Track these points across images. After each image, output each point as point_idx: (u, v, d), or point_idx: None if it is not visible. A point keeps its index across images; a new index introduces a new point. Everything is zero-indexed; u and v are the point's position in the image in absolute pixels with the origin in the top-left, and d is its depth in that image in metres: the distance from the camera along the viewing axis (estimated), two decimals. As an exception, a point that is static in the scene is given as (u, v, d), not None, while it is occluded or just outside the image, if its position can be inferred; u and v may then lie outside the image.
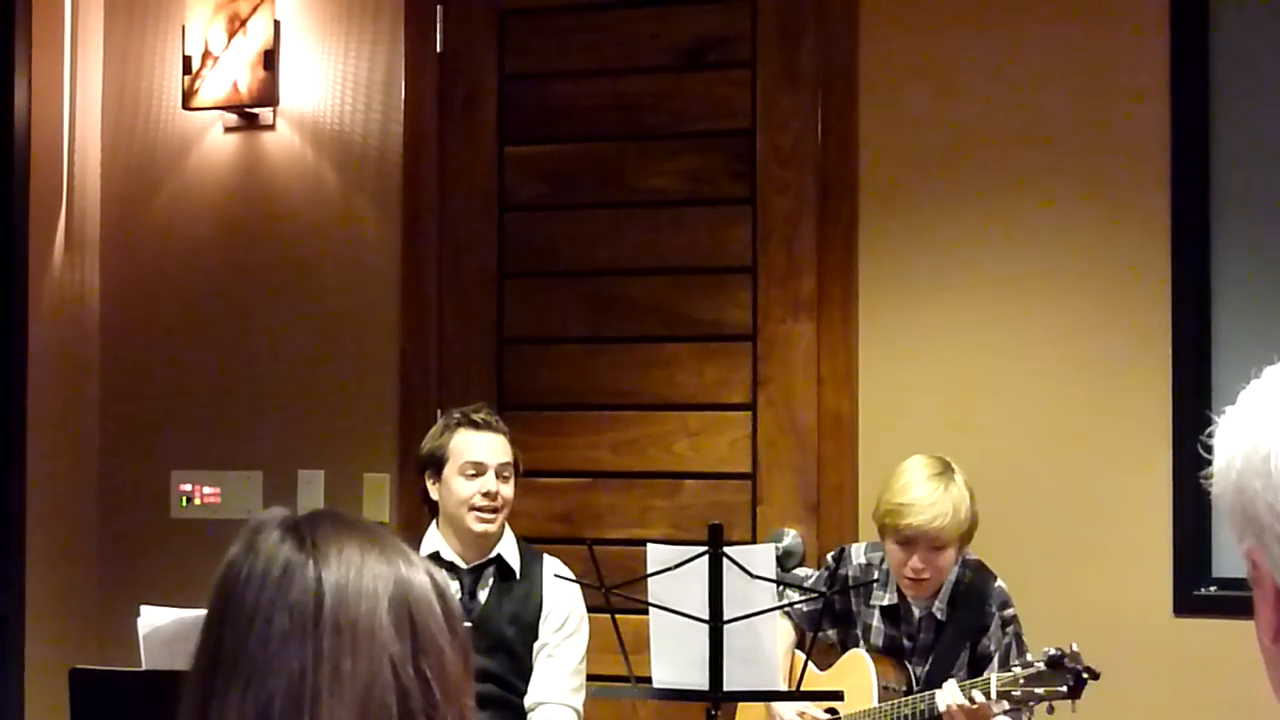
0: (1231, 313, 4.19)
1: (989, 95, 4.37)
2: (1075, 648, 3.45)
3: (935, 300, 4.41)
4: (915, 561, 3.72)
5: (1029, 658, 3.52)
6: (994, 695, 3.47)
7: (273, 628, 1.35)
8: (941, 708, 3.53)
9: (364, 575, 1.37)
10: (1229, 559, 4.13)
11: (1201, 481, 1.27)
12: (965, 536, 3.76)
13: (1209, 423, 1.27)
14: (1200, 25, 4.21)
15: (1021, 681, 3.46)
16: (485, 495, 3.94)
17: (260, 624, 1.35)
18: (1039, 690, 3.44)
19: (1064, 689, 3.42)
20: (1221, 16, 4.22)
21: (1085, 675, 3.42)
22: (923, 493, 3.71)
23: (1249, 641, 1.26)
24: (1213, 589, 4.16)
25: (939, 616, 3.81)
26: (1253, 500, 1.22)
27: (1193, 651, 4.15)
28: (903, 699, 3.70)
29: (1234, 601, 3.91)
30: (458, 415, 4.02)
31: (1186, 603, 4.17)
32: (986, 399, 4.35)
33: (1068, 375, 4.31)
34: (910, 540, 3.72)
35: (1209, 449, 1.26)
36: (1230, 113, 4.21)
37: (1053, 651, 3.43)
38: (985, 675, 3.54)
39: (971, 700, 3.50)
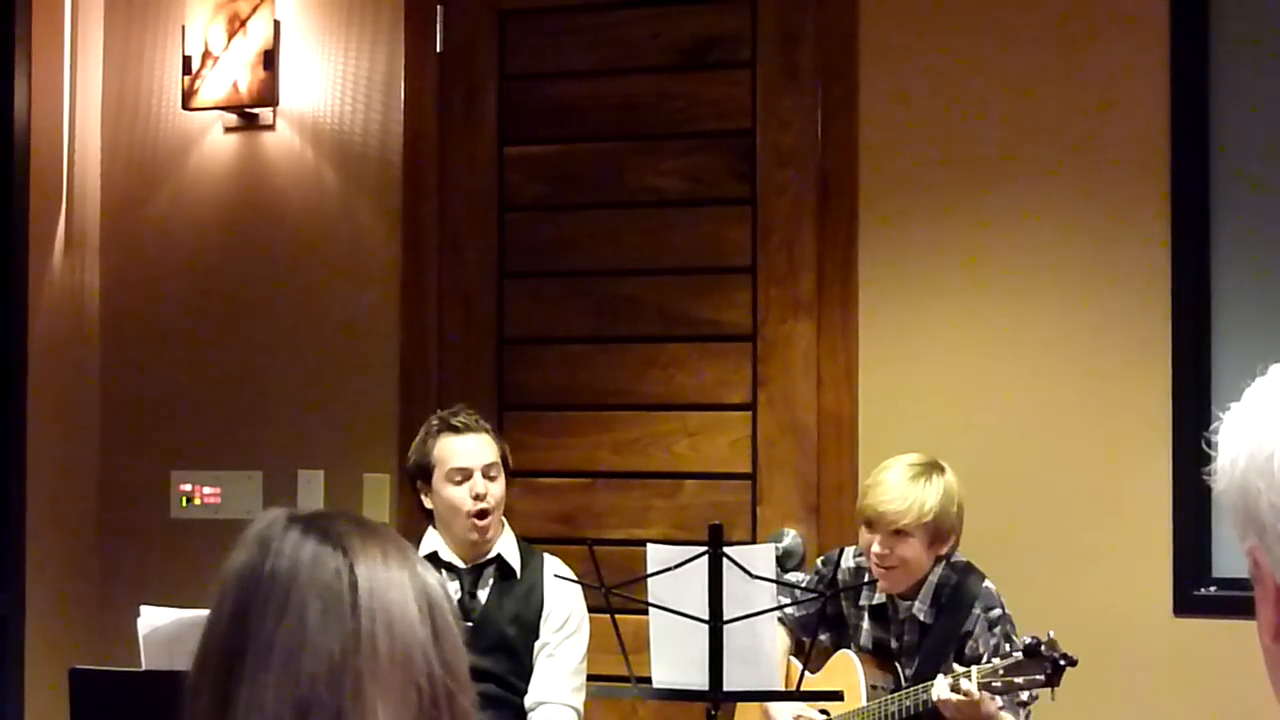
0: (1231, 313, 4.19)
1: (989, 95, 4.38)
2: (1052, 635, 3.45)
3: (935, 300, 4.41)
4: (876, 545, 3.74)
5: (1007, 648, 3.53)
6: (975, 686, 3.48)
7: (308, 613, 1.38)
8: (935, 697, 3.53)
9: (390, 565, 1.42)
10: (1229, 559, 4.13)
11: (1204, 478, 1.27)
12: (932, 533, 3.74)
13: (1209, 423, 1.28)
14: (1200, 25, 4.21)
15: (1001, 672, 3.47)
16: (476, 498, 3.94)
17: (294, 611, 1.38)
18: (1018, 680, 3.45)
19: (1041, 677, 3.43)
20: (1221, 16, 4.22)
21: (1063, 662, 3.43)
22: (892, 478, 3.75)
23: (1249, 642, 1.26)
24: (1213, 589, 4.15)
25: (922, 618, 3.80)
26: (1255, 499, 1.22)
27: (1193, 652, 4.15)
28: (891, 695, 3.70)
29: (1234, 602, 3.91)
30: (436, 422, 4.02)
31: (1186, 603, 4.17)
32: (986, 399, 4.35)
33: (1068, 375, 4.31)
34: (871, 522, 3.75)
35: (1212, 445, 1.26)
36: (1230, 112, 4.21)
37: (1029, 640, 3.45)
38: (965, 670, 3.55)
39: (963, 693, 3.50)
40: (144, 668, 2.97)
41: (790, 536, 4.42)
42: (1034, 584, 4.10)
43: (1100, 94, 4.30)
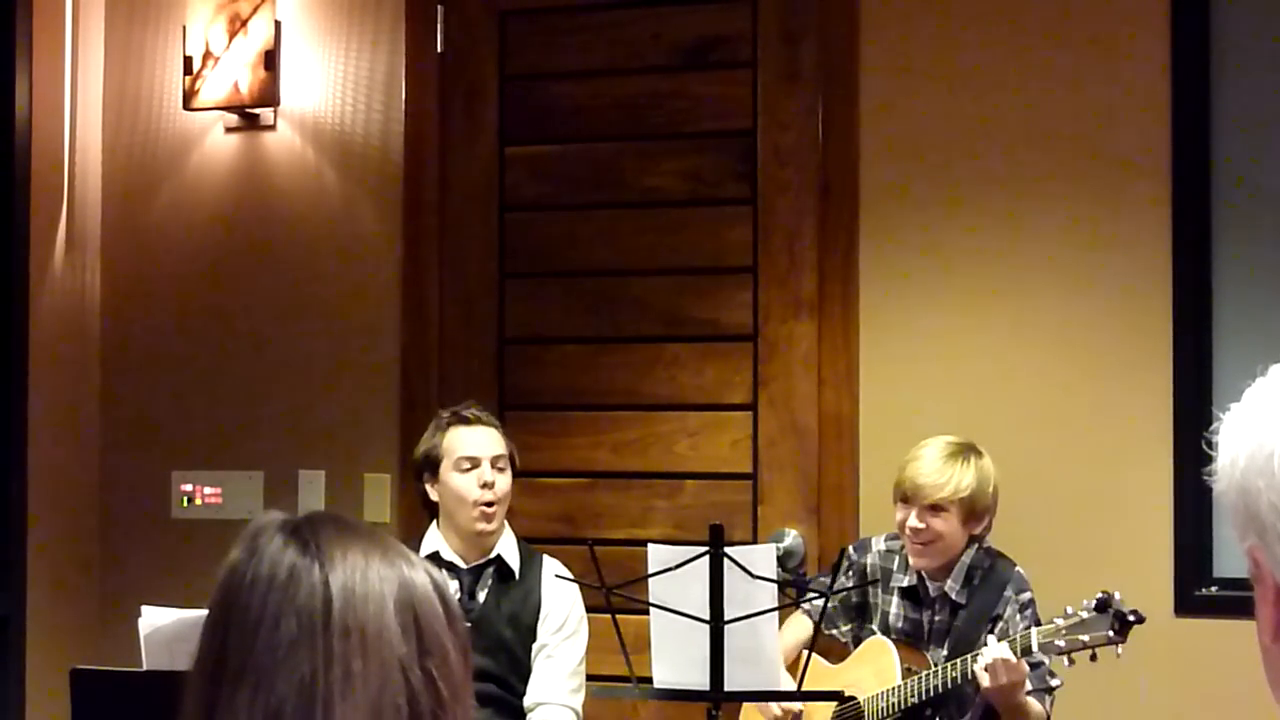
0: (1232, 312, 4.19)
1: (990, 95, 4.38)
2: (1118, 595, 3.49)
3: (936, 300, 4.41)
4: (912, 519, 3.80)
5: (1069, 609, 3.54)
6: (1035, 649, 3.51)
7: (280, 632, 1.35)
8: (986, 660, 3.54)
9: (369, 578, 1.38)
10: (1230, 559, 4.13)
11: (1204, 478, 1.27)
12: (968, 509, 3.81)
13: (1210, 423, 1.27)
14: (1200, 24, 4.22)
15: (1064, 631, 3.50)
16: (483, 487, 3.95)
17: (267, 629, 1.35)
18: (1084, 638, 3.48)
19: (1109, 633, 3.46)
20: (1221, 15, 4.22)
21: (1132, 618, 3.46)
22: (931, 453, 3.83)
23: (1250, 642, 1.26)
24: (1214, 589, 4.16)
25: (954, 597, 3.86)
26: (1255, 499, 1.22)
27: (1194, 652, 4.15)
28: (932, 670, 3.72)
29: (1235, 602, 3.91)
30: (447, 415, 4.05)
31: (1188, 603, 4.18)
32: (987, 399, 4.35)
33: (1068, 375, 4.31)
34: (908, 497, 3.81)
35: (1213, 445, 1.26)
36: (1231, 111, 4.21)
37: (1100, 595, 3.48)
38: (1025, 631, 3.58)
39: (1015, 655, 3.53)
40: (145, 668, 2.97)
41: (791, 536, 4.41)
42: (1036, 584, 4.08)
43: (1101, 94, 4.30)
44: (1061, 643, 3.50)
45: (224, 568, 1.41)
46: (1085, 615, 3.49)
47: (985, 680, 3.55)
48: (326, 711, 1.33)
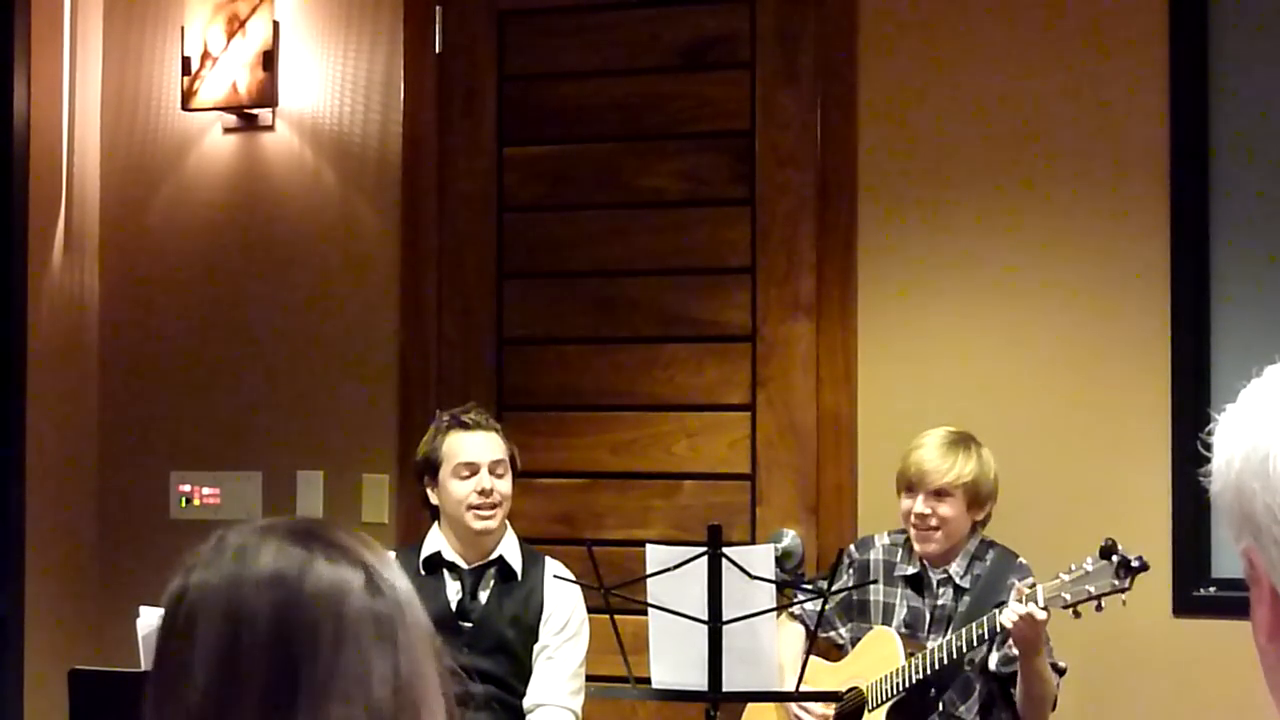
0: (1230, 313, 4.19)
1: (988, 95, 4.38)
2: (1121, 545, 3.54)
3: (934, 300, 4.41)
4: (918, 505, 3.89)
5: (1073, 565, 3.58)
6: (1041, 603, 3.56)
7: (363, 639, 1.39)
8: (1010, 621, 3.58)
9: (397, 575, 1.45)
10: (1228, 560, 4.13)
11: (1199, 479, 1.27)
12: (971, 494, 3.90)
13: (1208, 422, 1.27)
14: (1199, 24, 4.22)
15: (1069, 584, 3.55)
16: (481, 494, 3.95)
17: (351, 639, 1.38)
18: (1089, 588, 3.53)
19: (1114, 581, 3.51)
20: (1220, 16, 4.22)
21: (1135, 564, 3.50)
22: (934, 441, 3.94)
23: (1248, 642, 1.26)
24: (1212, 590, 4.16)
25: (957, 580, 3.92)
26: (1251, 501, 1.21)
27: (1192, 652, 4.15)
28: (938, 644, 3.74)
29: (1233, 602, 3.89)
30: (447, 418, 4.05)
31: (1186, 603, 4.18)
32: (985, 399, 4.35)
33: (1067, 376, 4.31)
34: (913, 485, 3.91)
35: (1208, 447, 1.26)
36: (1229, 111, 4.21)
37: (1105, 541, 3.54)
38: (1031, 589, 3.60)
39: (1030, 611, 3.56)
40: (143, 668, 2.97)
41: (789, 537, 4.40)
42: (1033, 584, 4.11)
43: (1100, 94, 4.30)
44: (1067, 595, 3.56)
45: (245, 588, 1.42)
46: (1090, 567, 3.55)
47: (1011, 621, 3.57)
48: (422, 699, 1.39)
